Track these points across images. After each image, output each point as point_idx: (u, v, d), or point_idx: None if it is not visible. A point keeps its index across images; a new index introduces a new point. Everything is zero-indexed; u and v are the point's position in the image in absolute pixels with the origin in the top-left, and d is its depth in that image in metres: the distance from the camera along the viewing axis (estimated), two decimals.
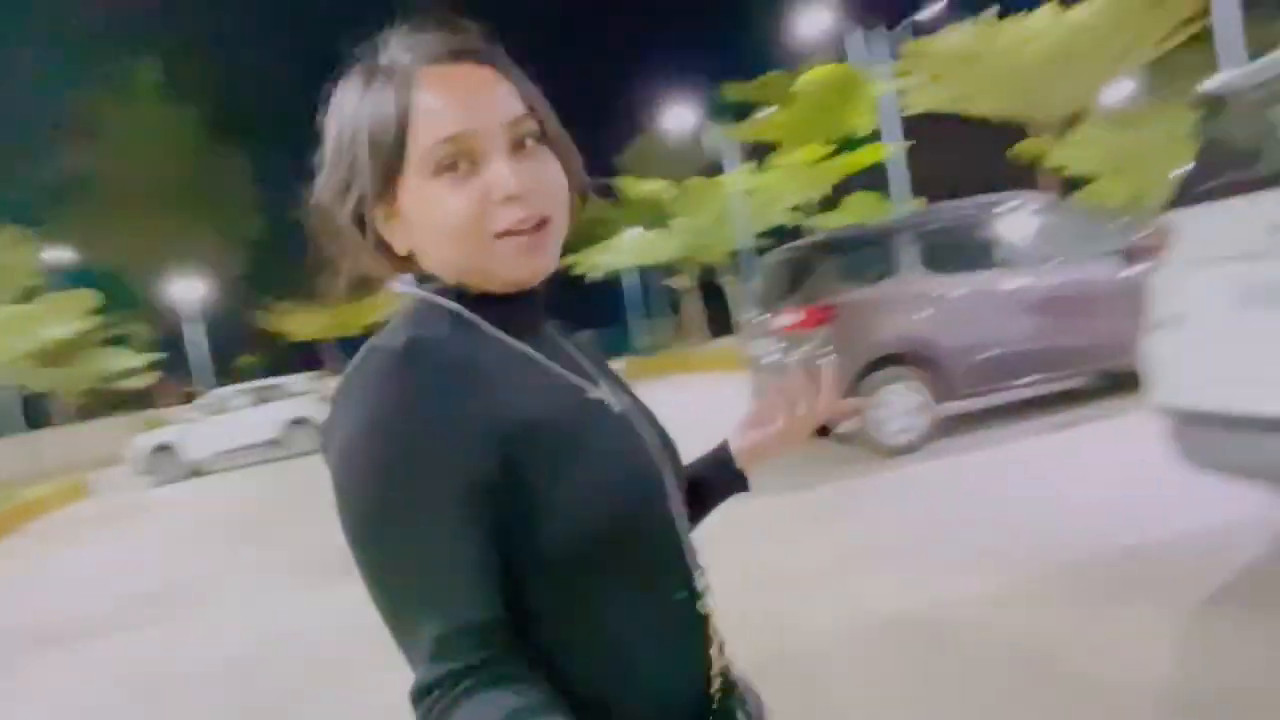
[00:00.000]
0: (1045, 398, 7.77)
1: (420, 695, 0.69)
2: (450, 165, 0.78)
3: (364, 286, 0.90)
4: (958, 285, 7.11)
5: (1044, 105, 21.62)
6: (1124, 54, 19.64)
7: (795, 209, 25.04)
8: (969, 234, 7.52)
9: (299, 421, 18.54)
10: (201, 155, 36.56)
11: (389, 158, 0.79)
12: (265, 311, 37.14)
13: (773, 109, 24.15)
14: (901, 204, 20.23)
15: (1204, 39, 14.11)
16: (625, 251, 27.29)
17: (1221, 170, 3.10)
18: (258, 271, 37.06)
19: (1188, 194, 3.22)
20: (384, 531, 0.71)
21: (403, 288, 0.87)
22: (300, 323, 37.04)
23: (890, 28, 20.93)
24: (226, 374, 34.18)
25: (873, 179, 23.24)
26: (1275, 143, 3.05)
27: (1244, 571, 3.39)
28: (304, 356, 37.46)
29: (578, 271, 27.28)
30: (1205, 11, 12.49)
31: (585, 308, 35.45)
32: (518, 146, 0.81)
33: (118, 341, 32.73)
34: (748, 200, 23.26)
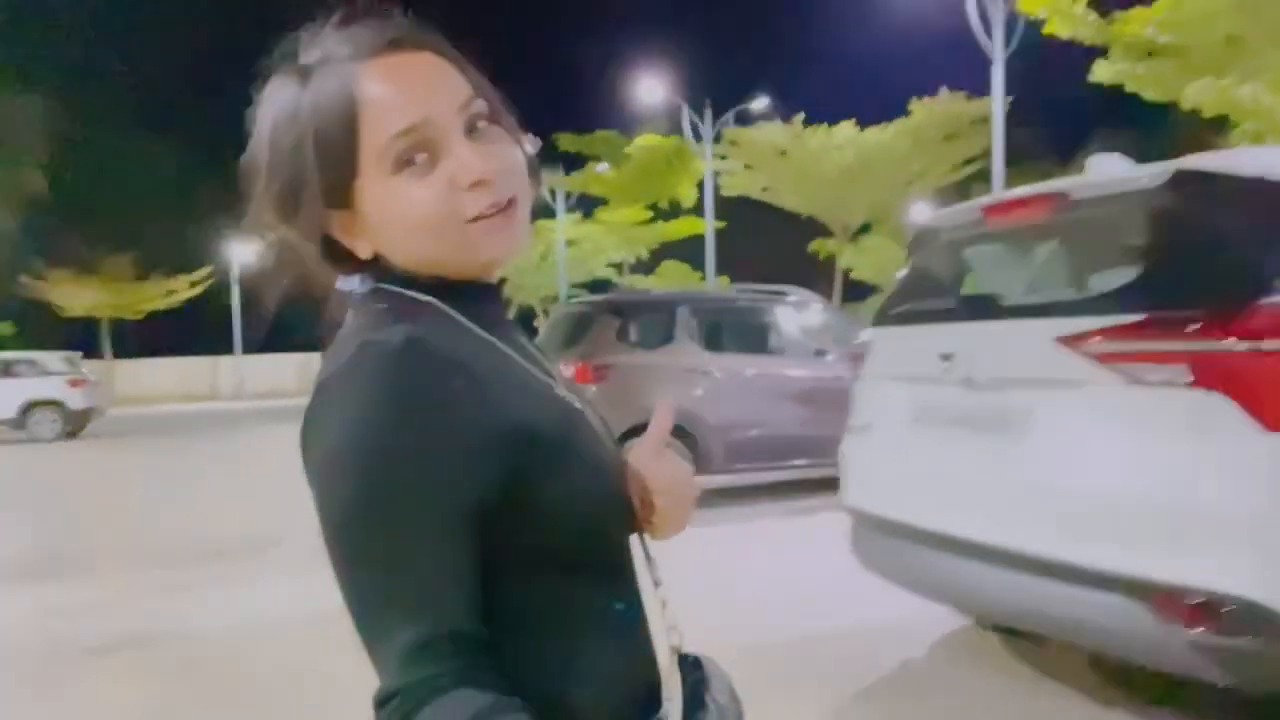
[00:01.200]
0: (801, 482, 8.20)
1: (385, 700, 0.66)
2: (409, 160, 0.75)
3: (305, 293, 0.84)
4: (728, 364, 7.46)
5: (841, 210, 23.63)
6: (917, 177, 21.79)
7: (615, 265, 25.72)
8: (746, 318, 7.97)
9: (43, 403, 16.73)
10: None
11: (341, 161, 0.75)
12: (34, 278, 33.53)
13: (604, 165, 24.84)
14: (710, 279, 21.27)
15: (986, 176, 15.94)
16: None
17: (916, 297, 3.42)
18: (33, 232, 33.51)
19: (885, 314, 3.54)
20: (368, 539, 0.68)
21: (362, 285, 0.82)
22: (71, 296, 33.70)
23: (717, 114, 22.20)
24: None
25: (688, 250, 24.31)
26: (956, 281, 3.41)
27: (900, 665, 3.67)
28: (81, 337, 34.03)
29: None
30: (987, 153, 14.09)
31: None
32: (472, 129, 0.78)
33: None
34: (570, 249, 23.66)
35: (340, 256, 0.81)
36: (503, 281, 0.90)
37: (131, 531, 7.50)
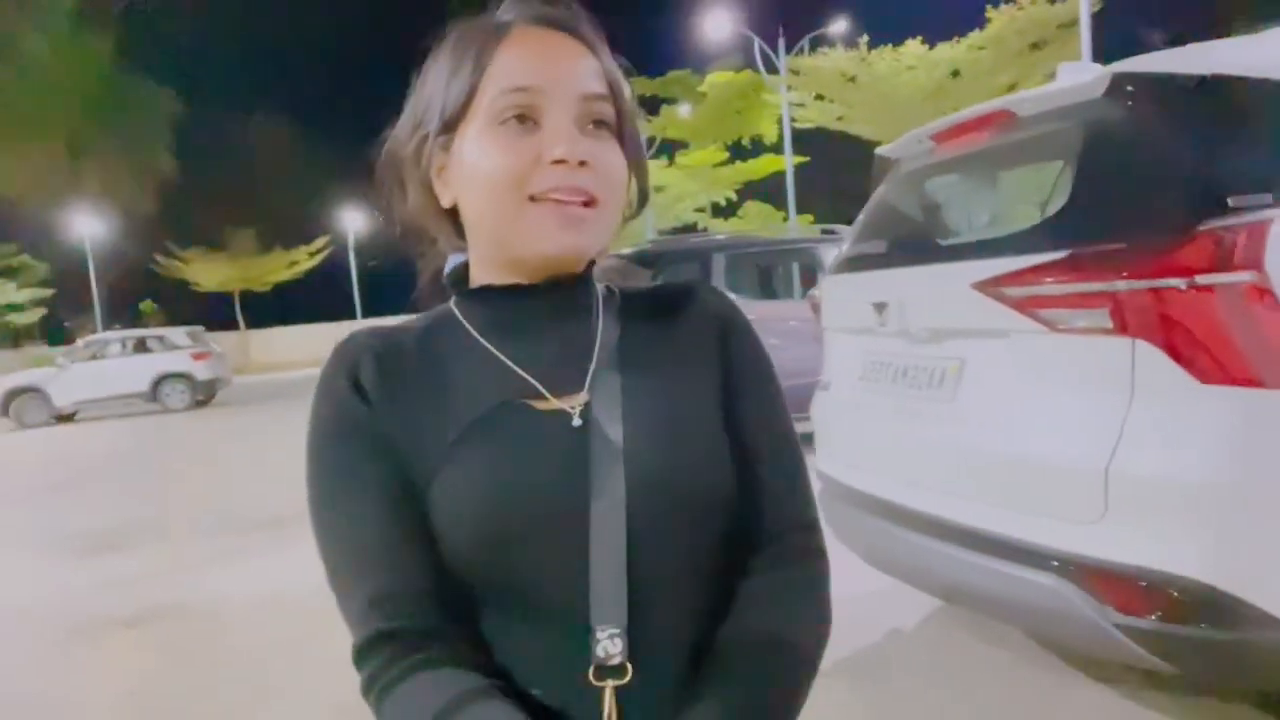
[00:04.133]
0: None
1: (358, 662, 0.74)
2: (512, 118, 0.76)
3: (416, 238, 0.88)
4: (771, 311, 7.13)
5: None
6: (1009, 91, 20.13)
7: (700, 210, 25.15)
8: (796, 260, 7.59)
9: (172, 376, 17.92)
10: (114, 87, 34.97)
11: (457, 98, 0.78)
12: (171, 257, 35.88)
13: (685, 107, 24.14)
14: (791, 218, 20.47)
15: None
16: None
17: (868, 238, 3.08)
18: (166, 214, 35.80)
19: (839, 260, 3.21)
20: (316, 508, 0.78)
21: (452, 260, 0.88)
22: (203, 272, 35.91)
23: (791, 42, 21.11)
24: (127, 318, 33.00)
25: (771, 189, 23.46)
26: (907, 219, 3.04)
27: (869, 643, 3.42)
28: (216, 309, 36.38)
29: None
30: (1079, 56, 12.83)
31: None
32: (586, 124, 0.78)
33: (6, 274, 31.32)
34: (655, 195, 23.32)
35: (437, 204, 0.84)
36: (563, 282, 0.83)
37: (209, 500, 7.91)
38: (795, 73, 21.38)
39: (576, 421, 0.78)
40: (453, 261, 0.89)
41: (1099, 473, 2.08)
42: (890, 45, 20.58)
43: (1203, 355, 1.93)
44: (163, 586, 5.06)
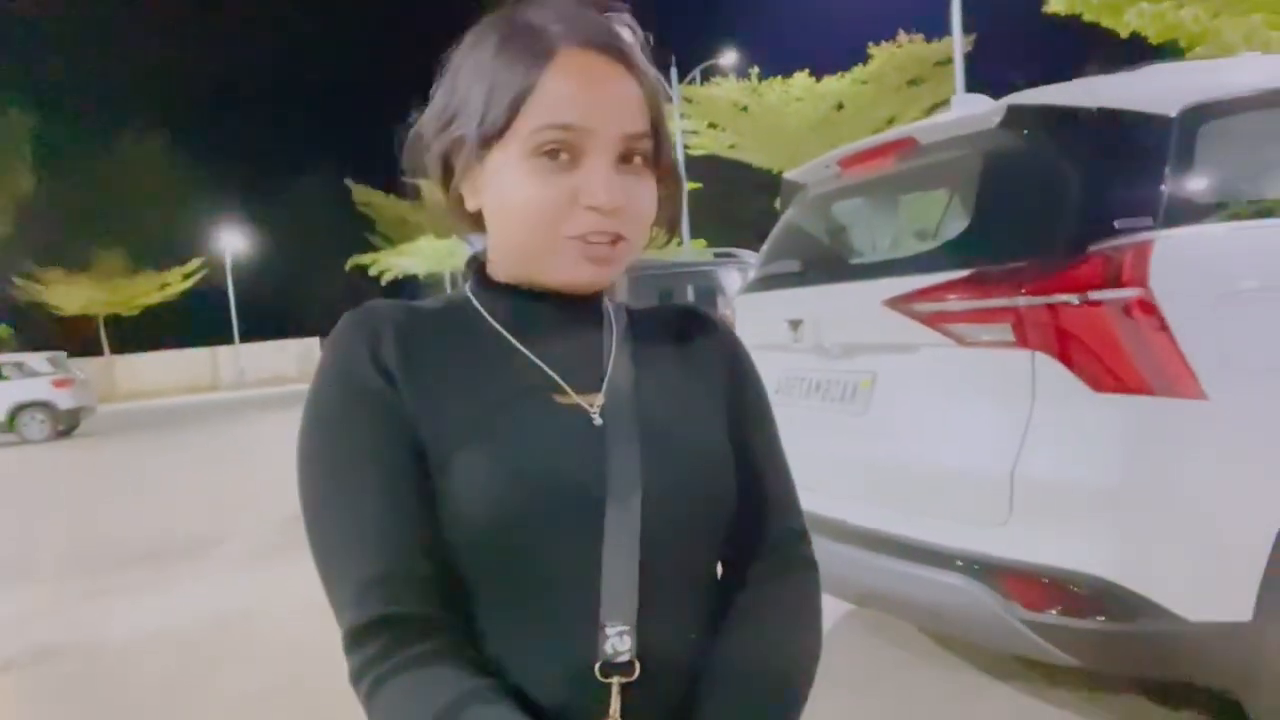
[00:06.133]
0: None
1: (349, 646, 0.71)
2: (551, 152, 0.75)
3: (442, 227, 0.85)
4: None
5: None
6: (886, 124, 21.22)
7: None
8: (688, 284, 7.76)
9: (31, 405, 16.74)
10: None
11: (497, 119, 0.76)
12: (29, 279, 33.56)
13: None
14: (685, 242, 20.89)
15: None
16: (422, 255, 26.41)
17: (779, 258, 3.20)
18: (24, 234, 33.49)
19: (753, 279, 3.31)
20: (314, 480, 0.75)
21: (471, 247, 0.88)
22: (65, 295, 33.74)
23: (683, 71, 21.64)
24: None
25: None
26: (817, 240, 3.17)
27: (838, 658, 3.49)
28: (79, 334, 34.19)
29: (373, 272, 26.21)
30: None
31: None
32: (625, 160, 0.78)
33: None
34: None
35: (460, 205, 0.84)
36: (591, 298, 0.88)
37: (79, 536, 7.41)
38: (689, 100, 21.94)
39: (597, 420, 0.79)
40: (471, 247, 0.89)
41: (1004, 478, 2.21)
42: (780, 77, 21.37)
43: (1096, 365, 2.09)
44: (37, 628, 4.71)
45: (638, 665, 0.74)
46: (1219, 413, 2.05)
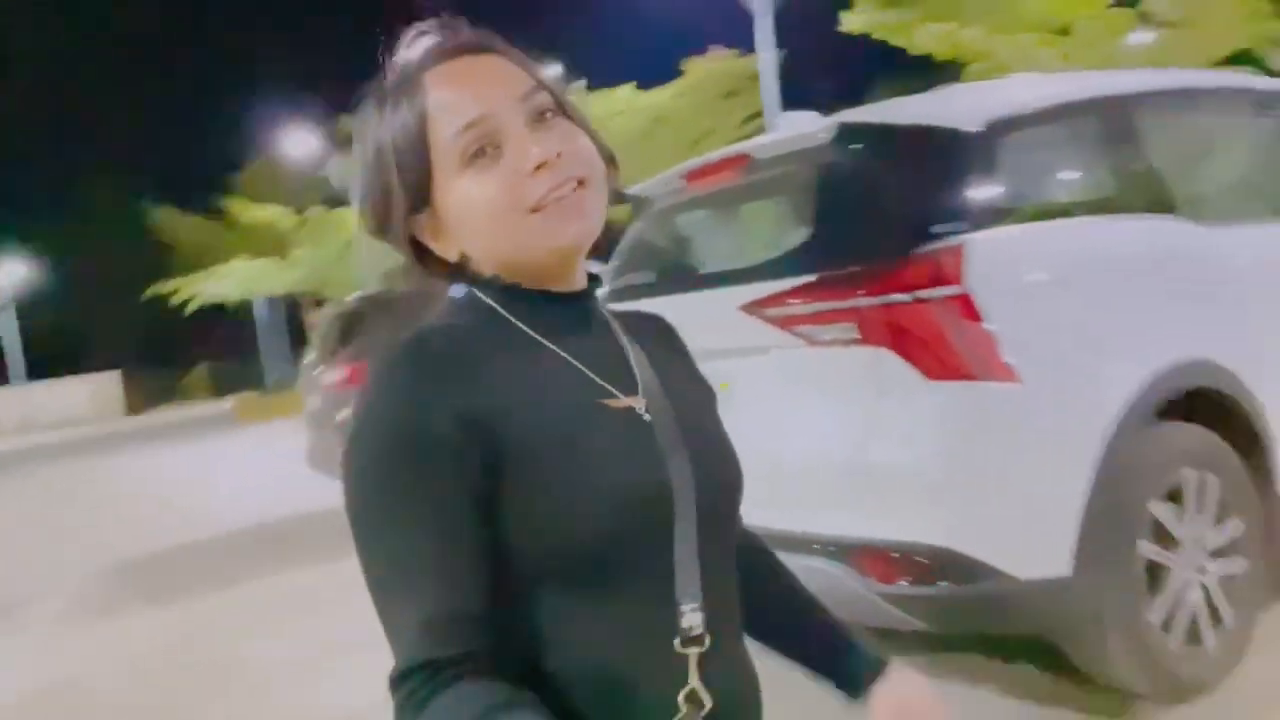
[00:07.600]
0: None
1: (397, 683, 0.72)
2: (476, 153, 0.79)
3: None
4: None
5: (636, 175, 23.53)
6: (705, 136, 22.04)
7: None
8: None
9: None
10: None
11: (416, 162, 0.80)
12: None
13: None
14: None
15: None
16: (234, 280, 24.76)
17: (629, 270, 3.32)
18: None
19: (605, 294, 3.41)
20: (368, 522, 0.76)
21: (456, 291, 0.88)
22: None
23: None
24: None
25: None
26: (665, 252, 3.33)
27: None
28: None
29: (176, 301, 24.21)
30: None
31: (215, 339, 31.90)
32: (538, 120, 0.81)
33: None
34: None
35: (435, 264, 0.87)
36: (593, 283, 0.91)
37: None
38: None
39: (646, 417, 0.85)
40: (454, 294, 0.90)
41: (854, 464, 2.42)
42: (607, 88, 21.64)
43: (927, 356, 2.32)
44: None
45: (709, 638, 0.82)
46: (1029, 392, 2.34)
